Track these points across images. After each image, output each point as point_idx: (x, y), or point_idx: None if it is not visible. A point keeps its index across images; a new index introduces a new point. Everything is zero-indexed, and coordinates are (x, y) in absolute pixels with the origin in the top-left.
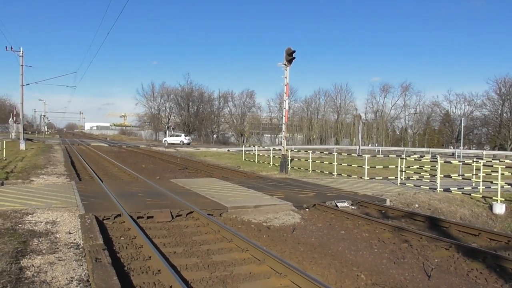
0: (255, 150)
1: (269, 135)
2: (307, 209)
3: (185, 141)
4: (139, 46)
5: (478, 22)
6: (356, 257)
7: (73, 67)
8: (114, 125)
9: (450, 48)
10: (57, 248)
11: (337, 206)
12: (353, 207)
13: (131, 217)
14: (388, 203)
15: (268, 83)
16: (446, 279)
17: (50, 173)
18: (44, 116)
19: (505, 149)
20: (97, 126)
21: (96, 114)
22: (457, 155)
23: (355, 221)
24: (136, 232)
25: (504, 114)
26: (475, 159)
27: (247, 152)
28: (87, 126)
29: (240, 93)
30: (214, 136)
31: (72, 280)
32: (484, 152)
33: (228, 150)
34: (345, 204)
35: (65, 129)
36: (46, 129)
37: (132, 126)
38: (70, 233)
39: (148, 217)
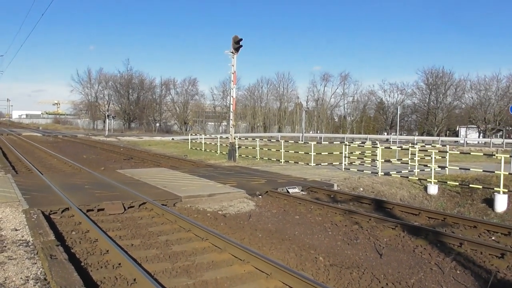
0: (201, 138)
1: (213, 123)
2: (260, 196)
3: None
4: (74, 29)
5: (409, 16)
6: (313, 240)
7: None
8: (47, 113)
9: (385, 40)
10: (5, 247)
11: (288, 192)
12: (303, 193)
13: (80, 210)
14: (335, 187)
15: (211, 70)
16: (395, 256)
17: None
18: None
19: (432, 135)
20: (26, 115)
21: (26, 101)
22: (392, 141)
23: (307, 206)
24: (89, 225)
25: (431, 103)
26: (410, 145)
27: (193, 141)
28: (15, 115)
29: (182, 81)
30: (157, 124)
31: (28, 280)
32: (415, 138)
33: (173, 139)
34: (296, 190)
35: None
36: None
37: (67, 115)
38: (16, 230)
39: (98, 210)
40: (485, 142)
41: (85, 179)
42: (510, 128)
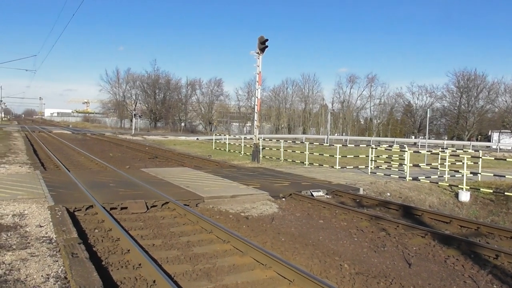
0: (225, 139)
1: (237, 124)
2: (283, 199)
3: None
4: (104, 30)
5: (440, 17)
6: (337, 246)
7: (33, 50)
8: (77, 111)
9: (413, 41)
10: (29, 243)
11: (312, 195)
12: (328, 196)
13: (104, 208)
14: (361, 192)
15: (237, 71)
16: (425, 266)
17: (12, 162)
18: (1, 101)
19: (462, 139)
20: (58, 113)
21: (57, 100)
22: (420, 145)
23: (332, 210)
24: (111, 224)
25: (462, 106)
26: (440, 149)
27: (217, 141)
28: (47, 113)
29: (208, 81)
30: (182, 124)
31: (48, 278)
32: (445, 142)
33: (197, 139)
34: (321, 193)
35: (23, 116)
36: (2, 115)
37: (96, 113)
38: (41, 226)
39: (122, 208)
40: None
41: (110, 177)
42: None
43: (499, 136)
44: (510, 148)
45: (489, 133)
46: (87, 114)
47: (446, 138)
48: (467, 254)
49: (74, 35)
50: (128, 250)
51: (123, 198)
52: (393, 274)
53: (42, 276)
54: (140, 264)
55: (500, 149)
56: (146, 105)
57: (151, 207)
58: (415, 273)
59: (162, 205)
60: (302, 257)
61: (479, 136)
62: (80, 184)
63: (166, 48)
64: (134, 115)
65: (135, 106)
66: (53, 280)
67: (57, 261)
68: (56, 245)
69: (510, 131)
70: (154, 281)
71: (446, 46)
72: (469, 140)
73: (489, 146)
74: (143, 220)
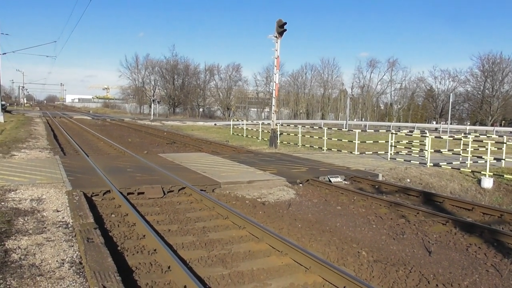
0: (243, 124)
1: (255, 109)
2: (300, 184)
3: None
4: (124, 16)
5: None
6: (355, 233)
7: (53, 36)
8: (97, 97)
9: (436, 25)
10: (45, 228)
11: (330, 181)
12: (346, 182)
13: (121, 193)
14: (380, 178)
15: (255, 56)
16: (446, 254)
17: (32, 147)
18: (23, 87)
19: (485, 125)
20: (79, 99)
21: (78, 86)
22: (442, 130)
23: (350, 196)
24: (128, 209)
25: (486, 91)
26: (463, 134)
27: (235, 127)
28: (68, 99)
29: (226, 67)
30: (200, 110)
31: (63, 263)
32: (467, 127)
33: (215, 124)
34: (339, 179)
35: (45, 101)
36: (25, 101)
37: (116, 99)
38: (58, 211)
39: (138, 193)
40: None
41: (128, 162)
42: None
43: None
44: None
45: None
46: (107, 100)
47: (469, 123)
48: (490, 242)
49: (93, 21)
50: (144, 236)
51: (140, 183)
52: (412, 262)
53: (57, 261)
54: (155, 250)
55: None
56: (165, 90)
57: (168, 192)
58: (436, 261)
59: (179, 190)
60: (319, 244)
61: (503, 122)
62: (98, 169)
63: (185, 34)
64: (153, 100)
65: (154, 91)
66: (68, 265)
67: (72, 246)
68: (72, 230)
69: None
70: (169, 267)
71: (471, 29)
72: (492, 125)
73: None
74: (160, 205)
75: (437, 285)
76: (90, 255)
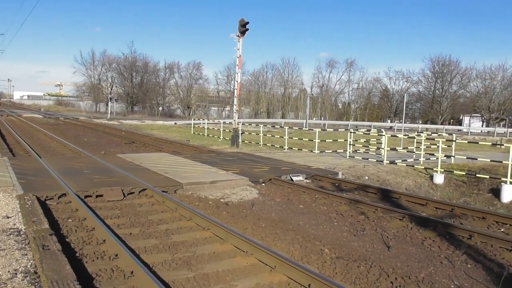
0: (204, 123)
1: (216, 108)
2: (263, 184)
3: None
4: (80, 9)
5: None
6: (318, 231)
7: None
8: (49, 94)
9: (392, 27)
10: None
11: (292, 180)
12: (307, 181)
13: (78, 196)
14: (340, 176)
15: (216, 55)
16: (404, 249)
17: None
18: None
19: (435, 123)
20: (28, 96)
21: (28, 82)
22: (396, 129)
23: (311, 194)
24: (86, 213)
25: (437, 91)
26: (416, 133)
27: (196, 126)
28: (17, 95)
29: (186, 64)
30: (160, 108)
31: (16, 273)
32: (420, 126)
33: (175, 124)
34: (300, 178)
35: None
36: None
37: (70, 97)
38: (8, 217)
39: (97, 196)
40: (488, 131)
41: (85, 163)
42: None
43: (469, 120)
44: (479, 131)
45: (461, 117)
46: (60, 98)
47: (421, 122)
48: (443, 235)
49: (46, 13)
50: (104, 240)
51: (98, 186)
52: (373, 257)
53: (8, 272)
54: (116, 255)
55: (470, 132)
56: (123, 88)
57: (128, 194)
58: (394, 256)
59: (140, 192)
60: (283, 243)
61: (451, 120)
62: (52, 171)
63: (144, 30)
64: (110, 98)
65: (111, 89)
66: (21, 275)
67: (26, 254)
68: (25, 237)
69: (480, 115)
70: (131, 272)
71: (423, 32)
72: (442, 124)
73: (460, 130)
74: (120, 208)
75: (396, 278)
76: (46, 264)
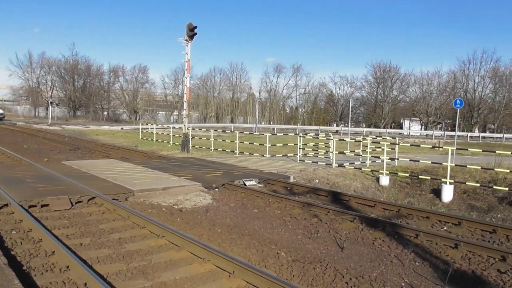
0: (152, 128)
1: (164, 112)
2: (216, 189)
3: None
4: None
5: (361, 10)
6: (273, 235)
7: None
8: None
9: (337, 33)
10: None
11: (245, 184)
12: (260, 185)
13: (21, 206)
14: (292, 179)
15: (163, 58)
16: (356, 249)
17: None
18: None
19: (378, 127)
20: None
21: None
22: (343, 132)
23: (265, 199)
24: (31, 223)
25: (379, 96)
26: (363, 137)
27: (144, 131)
28: None
29: (132, 68)
30: (105, 113)
31: None
32: (364, 129)
33: (122, 128)
34: (253, 182)
35: None
36: None
37: (5, 101)
38: None
39: (42, 206)
40: (426, 134)
41: (27, 172)
42: (449, 121)
43: (409, 124)
44: (418, 134)
45: (401, 121)
46: None
47: (364, 126)
48: (392, 235)
49: None
50: (53, 252)
51: (43, 195)
52: (327, 259)
53: None
54: (68, 267)
55: (411, 135)
56: (64, 92)
57: (76, 203)
58: (347, 257)
59: (89, 200)
60: (239, 248)
61: (393, 124)
62: None
63: (86, 32)
64: (51, 103)
65: (51, 93)
66: None
67: None
68: None
69: (419, 119)
70: (85, 284)
71: (365, 38)
72: (384, 127)
73: (401, 133)
74: (68, 218)
75: (350, 278)
76: None
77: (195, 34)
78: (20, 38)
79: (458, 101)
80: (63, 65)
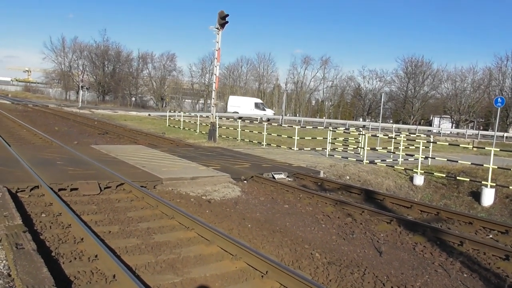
0: (179, 116)
1: (190, 100)
2: (245, 181)
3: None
4: None
5: (393, 3)
6: (305, 233)
7: None
8: (17, 80)
9: (367, 26)
10: None
11: (274, 178)
12: (289, 179)
13: (51, 189)
14: (322, 175)
15: (190, 47)
16: (396, 254)
17: None
18: None
19: (407, 123)
20: None
21: None
22: (371, 128)
23: (296, 194)
24: (61, 207)
25: (409, 91)
26: (395, 133)
27: (171, 118)
28: None
29: (160, 55)
30: (132, 99)
31: None
32: (393, 125)
33: (149, 115)
34: (282, 176)
35: None
36: None
37: (38, 83)
38: None
39: (72, 189)
40: (457, 133)
41: (57, 154)
42: (482, 120)
43: (439, 121)
44: (449, 132)
45: (431, 118)
46: (28, 84)
47: (392, 121)
48: (433, 241)
49: None
50: (82, 239)
51: (73, 178)
52: (365, 263)
53: None
54: (96, 256)
55: (442, 133)
56: (94, 77)
57: (105, 188)
58: (387, 262)
59: (117, 186)
60: (271, 245)
61: (422, 121)
62: (23, 161)
63: (118, 18)
64: (81, 87)
65: (82, 77)
66: None
67: None
68: None
69: (449, 116)
70: (114, 276)
71: (397, 33)
72: (413, 124)
73: (430, 130)
74: (97, 203)
75: (392, 287)
76: (21, 265)
77: (227, 22)
78: (55, 23)
79: (499, 99)
80: (94, 50)
